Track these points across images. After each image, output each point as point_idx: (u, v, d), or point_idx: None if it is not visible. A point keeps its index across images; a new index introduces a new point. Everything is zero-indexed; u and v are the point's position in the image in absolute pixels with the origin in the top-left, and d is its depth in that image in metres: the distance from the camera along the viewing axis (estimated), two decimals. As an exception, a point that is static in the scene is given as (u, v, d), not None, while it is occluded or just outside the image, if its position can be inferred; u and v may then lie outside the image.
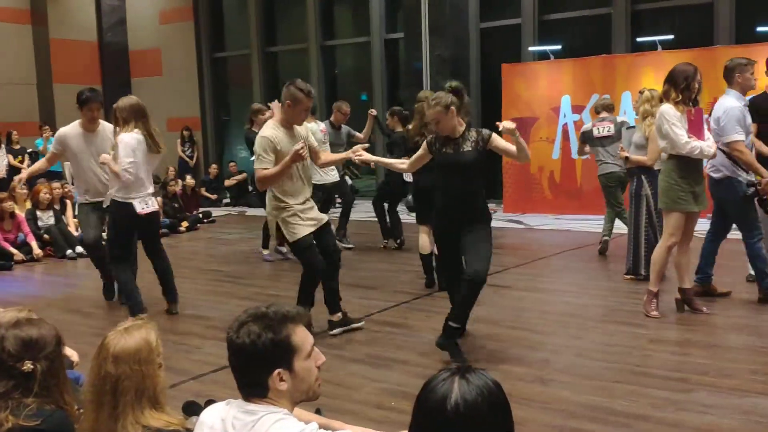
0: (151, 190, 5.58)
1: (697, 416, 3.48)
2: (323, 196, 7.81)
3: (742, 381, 3.92)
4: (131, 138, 5.36)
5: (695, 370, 4.10)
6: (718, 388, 3.82)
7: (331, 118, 8.66)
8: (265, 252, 8.10)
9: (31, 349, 2.23)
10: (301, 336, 2.04)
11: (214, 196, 13.61)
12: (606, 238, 7.71)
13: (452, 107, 4.44)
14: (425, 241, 6.27)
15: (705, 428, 3.36)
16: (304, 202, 4.91)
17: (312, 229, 4.89)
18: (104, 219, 6.02)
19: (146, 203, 5.47)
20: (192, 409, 2.42)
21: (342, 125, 8.65)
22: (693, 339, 4.73)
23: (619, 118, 7.63)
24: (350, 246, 8.52)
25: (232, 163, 14.23)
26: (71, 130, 6.01)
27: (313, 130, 7.61)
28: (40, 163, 6.57)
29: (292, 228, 4.85)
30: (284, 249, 7.95)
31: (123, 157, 5.30)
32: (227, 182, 13.81)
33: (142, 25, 15.91)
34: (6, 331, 2.27)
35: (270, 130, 4.82)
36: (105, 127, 6.05)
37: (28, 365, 2.22)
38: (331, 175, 7.98)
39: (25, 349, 2.24)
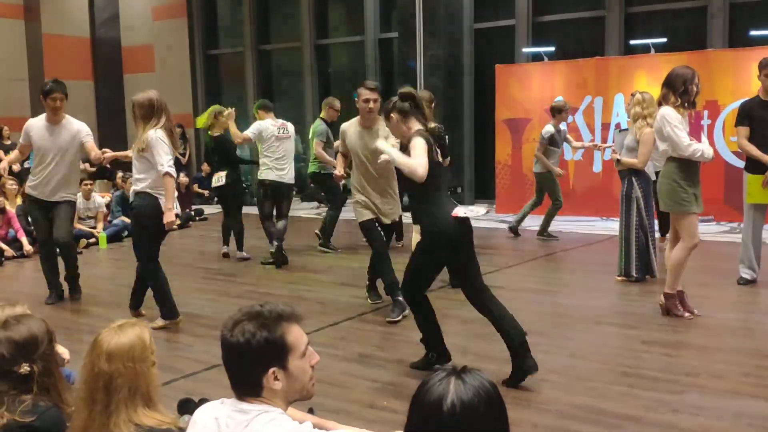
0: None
1: (689, 418, 3.49)
2: (270, 195, 7.69)
3: (734, 383, 3.94)
4: (163, 135, 5.14)
5: (687, 372, 4.11)
6: (710, 390, 3.84)
7: (322, 115, 8.63)
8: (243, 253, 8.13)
9: (25, 351, 2.24)
10: (296, 335, 2.03)
11: (206, 192, 13.55)
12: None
13: (393, 113, 4.18)
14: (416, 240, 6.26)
15: (697, 430, 3.36)
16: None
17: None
18: (51, 218, 6.01)
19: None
20: (187, 407, 2.41)
21: (335, 122, 8.61)
22: (685, 341, 4.75)
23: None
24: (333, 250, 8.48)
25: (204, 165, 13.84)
26: (36, 121, 5.98)
27: (261, 127, 7.58)
28: (15, 154, 6.35)
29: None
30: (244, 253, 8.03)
31: (164, 155, 5.05)
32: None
33: (135, 22, 15.84)
34: (7, 331, 2.27)
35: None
36: (70, 121, 5.99)
37: (24, 367, 2.23)
38: (282, 174, 7.62)
39: (18, 351, 2.24)
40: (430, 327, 4.24)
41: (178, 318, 5.27)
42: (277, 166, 7.57)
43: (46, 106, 5.90)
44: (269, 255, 7.58)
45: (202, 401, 2.24)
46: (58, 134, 5.91)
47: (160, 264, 5.34)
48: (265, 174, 7.61)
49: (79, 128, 6.04)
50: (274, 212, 7.72)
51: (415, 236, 6.27)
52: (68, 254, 6.15)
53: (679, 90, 4.99)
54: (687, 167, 5.07)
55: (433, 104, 6.47)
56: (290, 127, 7.82)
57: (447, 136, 6.37)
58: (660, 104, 5.19)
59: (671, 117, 4.97)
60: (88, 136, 6.07)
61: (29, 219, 6.74)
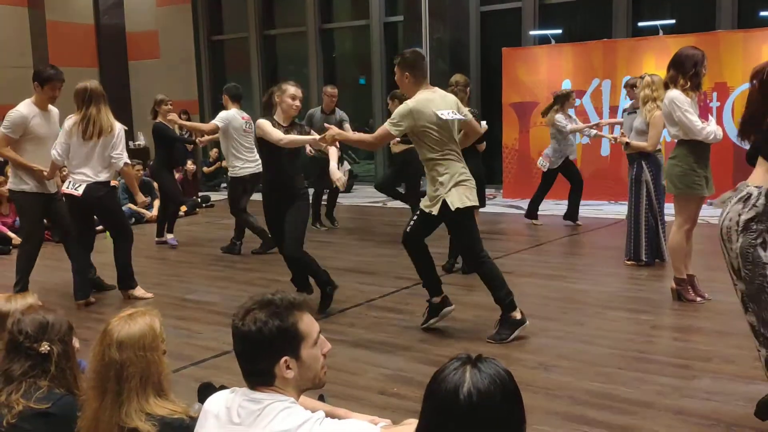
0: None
1: (701, 403, 3.47)
2: (250, 189, 7.68)
3: (746, 367, 3.91)
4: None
5: (699, 357, 4.09)
6: (722, 375, 3.82)
7: (323, 105, 8.62)
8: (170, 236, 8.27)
9: (47, 332, 2.31)
10: (308, 323, 2.02)
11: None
12: None
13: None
14: None
15: (709, 415, 3.34)
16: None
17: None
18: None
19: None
20: (207, 392, 2.42)
21: (335, 110, 8.58)
22: (696, 325, 4.72)
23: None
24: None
25: (214, 150, 13.83)
26: (29, 110, 5.62)
27: (230, 117, 7.43)
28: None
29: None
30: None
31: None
32: (206, 169, 13.62)
33: (140, 8, 15.77)
34: (22, 315, 2.36)
35: None
36: (53, 109, 5.85)
37: (45, 346, 2.29)
38: (258, 165, 7.40)
39: (41, 331, 2.31)
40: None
41: None
42: (250, 158, 7.52)
43: (42, 94, 5.61)
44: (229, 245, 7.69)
45: (223, 388, 2.23)
46: (52, 121, 5.80)
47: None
48: (243, 170, 7.52)
49: (57, 112, 5.92)
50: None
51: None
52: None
53: (689, 72, 4.91)
54: (700, 150, 5.02)
55: (468, 88, 6.40)
56: (252, 124, 7.50)
57: (483, 121, 6.32)
58: (667, 87, 5.10)
59: (680, 101, 4.90)
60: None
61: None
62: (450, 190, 4.43)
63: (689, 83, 4.92)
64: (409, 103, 4.43)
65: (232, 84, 8.11)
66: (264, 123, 5.08)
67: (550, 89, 10.79)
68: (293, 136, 5.13)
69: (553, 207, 10.19)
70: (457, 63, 11.85)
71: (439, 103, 4.47)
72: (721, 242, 3.07)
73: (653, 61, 9.70)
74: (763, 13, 10.33)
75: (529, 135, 11.02)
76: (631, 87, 7.23)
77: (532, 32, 11.78)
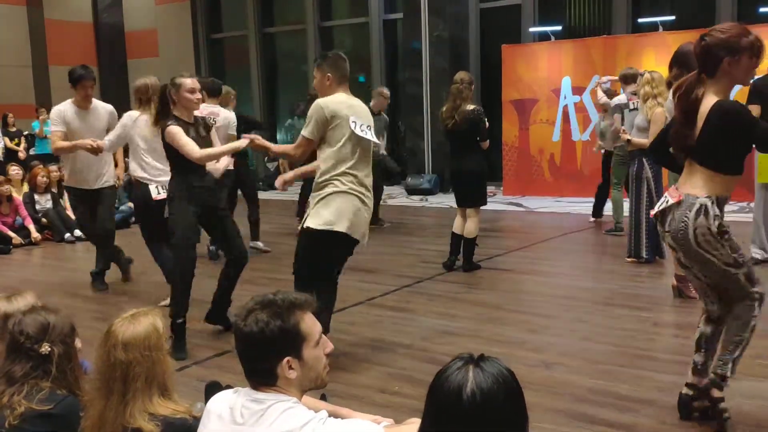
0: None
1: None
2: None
3: (746, 365, 3.88)
4: None
5: (700, 354, 4.08)
6: (723, 372, 3.81)
7: (372, 105, 8.50)
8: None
9: (48, 333, 2.30)
10: (309, 323, 2.01)
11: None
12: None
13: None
14: (458, 222, 6.34)
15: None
16: None
17: None
18: (95, 207, 5.96)
19: None
20: (214, 390, 2.42)
21: (381, 113, 8.47)
22: (697, 322, 4.70)
23: (618, 99, 7.41)
24: None
25: None
26: (65, 106, 5.86)
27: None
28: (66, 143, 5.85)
29: None
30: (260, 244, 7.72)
31: None
32: None
33: (138, 6, 15.76)
34: (24, 315, 2.35)
35: None
36: (97, 105, 5.97)
37: (45, 347, 2.28)
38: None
39: (42, 331, 2.31)
40: None
41: None
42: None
43: (76, 94, 5.82)
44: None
45: (229, 387, 2.23)
46: (89, 120, 5.86)
47: None
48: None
49: (110, 110, 6.05)
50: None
51: (459, 219, 6.35)
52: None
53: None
54: None
55: (473, 86, 6.36)
56: None
57: (486, 119, 6.31)
58: (670, 84, 5.09)
59: None
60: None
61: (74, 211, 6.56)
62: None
63: None
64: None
65: (209, 78, 7.62)
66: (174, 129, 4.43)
67: (550, 86, 10.80)
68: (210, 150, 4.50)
69: (553, 204, 10.20)
70: (457, 60, 11.85)
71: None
72: (675, 246, 3.17)
73: (653, 57, 9.70)
74: (762, 9, 10.32)
75: (529, 132, 11.02)
76: (623, 80, 7.26)
77: (531, 29, 11.77)
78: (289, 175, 4.28)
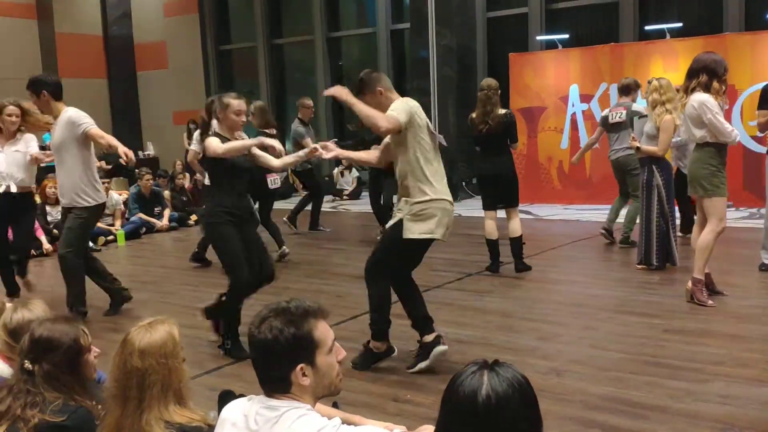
0: None
1: (715, 407, 3.46)
2: None
3: (760, 371, 3.90)
4: None
5: (711, 360, 4.08)
6: (736, 379, 3.80)
7: (299, 116, 8.75)
8: None
9: (37, 350, 2.32)
10: (323, 331, 2.03)
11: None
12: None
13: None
14: (491, 227, 6.47)
15: (723, 419, 3.34)
16: None
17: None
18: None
19: None
20: (227, 399, 2.43)
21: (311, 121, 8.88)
22: (708, 329, 4.71)
23: (635, 106, 7.41)
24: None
25: None
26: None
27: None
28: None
29: None
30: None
31: None
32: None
33: (147, 18, 15.87)
34: (35, 326, 2.37)
35: None
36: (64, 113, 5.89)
37: (27, 364, 2.31)
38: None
39: (31, 347, 2.33)
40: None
41: None
42: None
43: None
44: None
45: (242, 396, 2.25)
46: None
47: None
48: None
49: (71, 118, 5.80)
50: None
51: (488, 222, 6.51)
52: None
53: (722, 77, 5.11)
54: (724, 152, 5.18)
55: (500, 91, 6.49)
56: None
57: (515, 122, 6.54)
58: (694, 91, 5.14)
59: (712, 104, 5.04)
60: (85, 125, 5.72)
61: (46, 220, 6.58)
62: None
63: (724, 87, 5.11)
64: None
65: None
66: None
67: (558, 94, 10.82)
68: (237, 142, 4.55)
69: (563, 212, 10.20)
70: (464, 69, 11.88)
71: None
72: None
73: (660, 64, 9.69)
74: (770, 16, 10.32)
75: (537, 140, 11.02)
76: (623, 90, 7.32)
77: (539, 37, 11.79)
78: (344, 152, 4.56)
